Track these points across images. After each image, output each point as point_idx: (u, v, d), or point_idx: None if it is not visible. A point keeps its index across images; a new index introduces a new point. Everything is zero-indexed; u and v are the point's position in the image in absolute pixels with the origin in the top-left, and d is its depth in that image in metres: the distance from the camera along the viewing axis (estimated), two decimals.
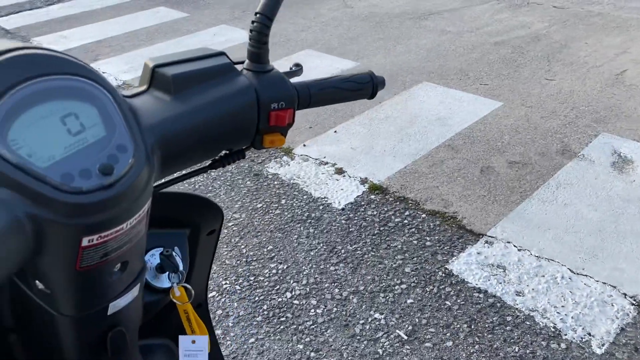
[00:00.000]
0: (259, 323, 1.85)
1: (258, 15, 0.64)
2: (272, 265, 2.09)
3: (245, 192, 2.53)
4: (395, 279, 1.99)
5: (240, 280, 2.03)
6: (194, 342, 0.78)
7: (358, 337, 1.78)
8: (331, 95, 0.73)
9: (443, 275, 2.00)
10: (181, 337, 0.78)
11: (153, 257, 0.76)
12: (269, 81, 0.66)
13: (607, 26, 4.30)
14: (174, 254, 0.76)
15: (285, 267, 2.07)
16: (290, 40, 4.32)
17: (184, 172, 0.70)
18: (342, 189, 2.50)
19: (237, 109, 0.63)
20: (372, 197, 2.43)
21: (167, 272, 0.75)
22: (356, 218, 2.31)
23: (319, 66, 3.79)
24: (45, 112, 0.48)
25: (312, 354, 1.73)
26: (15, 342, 0.69)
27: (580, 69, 3.55)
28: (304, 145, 2.86)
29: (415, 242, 2.16)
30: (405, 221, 2.27)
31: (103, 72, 3.91)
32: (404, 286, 1.96)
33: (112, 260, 0.54)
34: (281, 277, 2.03)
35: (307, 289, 1.97)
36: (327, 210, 2.37)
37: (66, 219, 0.46)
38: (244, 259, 2.13)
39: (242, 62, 0.67)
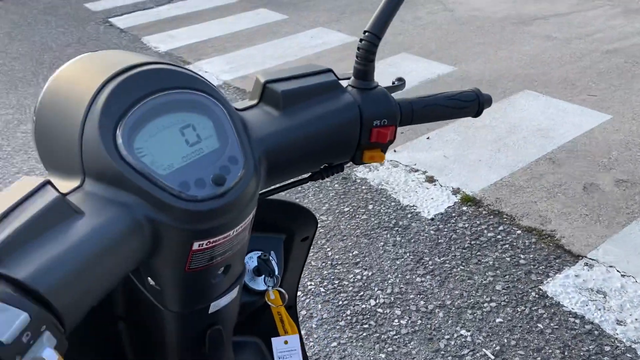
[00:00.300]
0: (341, 328, 1.85)
1: (367, 33, 0.64)
2: (357, 271, 2.08)
3: (333, 195, 2.54)
4: (484, 296, 1.92)
5: (325, 283, 2.04)
6: (286, 342, 0.79)
7: (442, 353, 1.73)
8: (434, 113, 0.71)
9: (536, 296, 1.90)
10: (274, 339, 0.80)
11: (251, 260, 0.79)
12: (372, 98, 0.65)
13: None
14: (270, 258, 0.78)
15: (370, 274, 2.06)
16: (387, 43, 4.30)
17: (285, 182, 0.72)
18: (432, 198, 2.44)
19: (341, 125, 0.63)
20: (464, 208, 2.36)
21: (263, 276, 0.78)
22: (446, 229, 2.25)
23: (414, 70, 3.73)
24: (167, 123, 0.51)
25: None
26: (123, 330, 0.74)
27: None
28: (395, 151, 2.83)
29: (508, 259, 2.07)
30: (499, 236, 2.18)
31: (205, 72, 4.09)
32: (493, 304, 1.89)
33: (217, 263, 0.57)
34: (365, 284, 2.02)
35: (392, 299, 1.95)
36: (416, 219, 2.33)
37: (181, 224, 0.49)
38: (329, 262, 2.14)
39: (348, 78, 0.67)
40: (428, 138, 2.91)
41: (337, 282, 2.04)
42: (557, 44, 4.00)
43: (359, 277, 2.05)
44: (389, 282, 2.01)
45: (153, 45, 4.82)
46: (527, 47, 3.99)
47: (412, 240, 2.20)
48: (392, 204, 2.43)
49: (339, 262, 2.13)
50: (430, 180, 2.57)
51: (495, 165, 2.63)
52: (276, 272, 0.78)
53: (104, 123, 0.49)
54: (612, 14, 4.57)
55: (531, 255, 2.07)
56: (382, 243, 2.20)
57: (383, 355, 1.74)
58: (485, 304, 1.89)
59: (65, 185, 0.50)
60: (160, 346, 0.71)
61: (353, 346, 1.78)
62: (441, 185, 2.52)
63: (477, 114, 0.74)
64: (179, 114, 0.52)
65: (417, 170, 2.65)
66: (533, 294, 1.91)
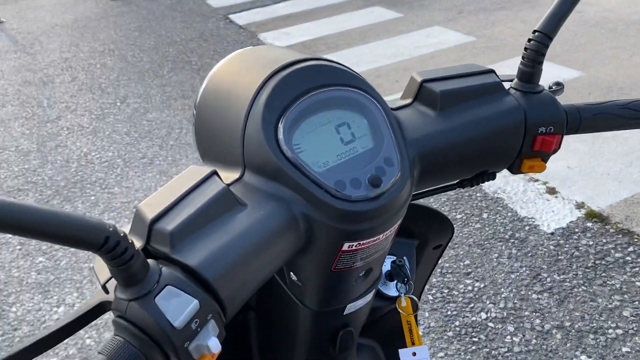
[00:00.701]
0: (449, 338, 1.78)
1: (537, 33, 0.59)
2: (468, 282, 2.00)
3: (444, 200, 2.46)
4: (609, 322, 1.77)
5: (434, 291, 1.98)
6: (414, 354, 0.76)
7: None
8: (604, 123, 0.65)
9: None
10: (402, 351, 0.77)
11: (384, 265, 0.77)
12: (538, 103, 0.61)
13: None
14: (405, 262, 0.76)
15: (482, 286, 1.97)
16: (506, 44, 4.11)
17: (432, 187, 0.69)
18: (552, 211, 2.29)
19: (502, 130, 0.59)
20: (589, 225, 2.19)
21: (396, 281, 0.75)
22: (567, 246, 2.10)
23: None
24: (323, 120, 0.51)
25: None
26: (252, 320, 0.75)
27: None
28: None
29: (638, 284, 1.89)
30: (628, 258, 2.00)
31: None
32: (619, 331, 1.73)
33: (361, 266, 0.56)
34: (477, 296, 1.93)
35: (504, 314, 1.85)
36: (534, 232, 2.19)
37: (335, 223, 0.48)
38: (439, 270, 2.07)
39: (511, 80, 0.63)
40: None
41: (446, 291, 1.97)
42: None
43: (469, 288, 1.97)
44: (502, 296, 1.91)
45: (269, 42, 4.96)
46: None
47: (529, 254, 2.08)
48: (509, 214, 2.31)
49: (449, 271, 2.06)
50: (552, 191, 2.41)
51: (626, 180, 2.42)
52: (410, 279, 0.76)
53: (266, 117, 0.49)
54: None
55: None
56: (496, 255, 2.10)
57: None
58: (610, 330, 1.74)
59: (224, 176, 0.50)
60: (288, 341, 0.71)
61: (461, 359, 1.71)
62: (563, 198, 2.36)
63: None
64: (335, 111, 0.51)
65: (536, 180, 2.50)
66: None
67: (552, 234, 2.17)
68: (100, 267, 0.44)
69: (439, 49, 4.21)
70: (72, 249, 2.40)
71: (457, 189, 0.62)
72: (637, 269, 1.95)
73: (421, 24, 4.87)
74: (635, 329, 1.73)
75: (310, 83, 0.51)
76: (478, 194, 2.46)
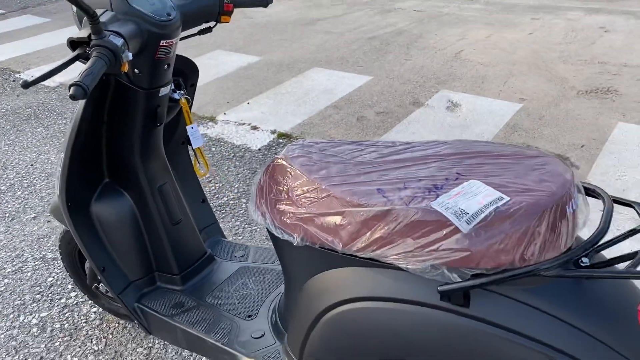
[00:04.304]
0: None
1: None
2: (211, 186, 2.89)
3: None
4: None
5: None
6: (192, 127, 1.62)
7: None
8: (248, 2, 1.60)
9: None
10: (188, 127, 1.62)
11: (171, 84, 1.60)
12: None
13: (451, 22, 5.53)
14: (180, 82, 1.61)
15: (219, 186, 2.88)
16: (202, 43, 5.14)
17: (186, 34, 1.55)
18: (257, 138, 3.35)
19: (211, 3, 1.49)
20: (281, 140, 3.31)
21: (177, 92, 1.59)
22: (269, 153, 3.17)
23: (230, 61, 4.64)
24: None
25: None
26: (103, 133, 1.50)
27: (430, 51, 4.67)
28: (224, 114, 3.70)
29: None
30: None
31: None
32: None
33: (166, 58, 1.39)
34: (219, 191, 2.84)
35: (239, 195, 2.80)
36: (248, 151, 3.21)
37: (160, 30, 1.32)
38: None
39: None
40: (248, 103, 3.82)
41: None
42: (335, 36, 5.23)
43: (213, 189, 2.86)
44: (235, 186, 2.86)
45: None
46: (313, 40, 5.15)
47: (247, 163, 3.08)
48: (229, 146, 3.29)
49: None
50: (255, 128, 3.48)
51: (298, 113, 3.64)
52: (184, 90, 1.61)
53: None
54: (371, 13, 5.99)
55: None
56: (225, 167, 3.04)
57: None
58: None
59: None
60: (128, 125, 1.47)
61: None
62: (263, 130, 3.45)
63: (267, 5, 1.65)
64: None
65: (244, 124, 3.54)
66: None
67: (259, 149, 3.22)
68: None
69: None
70: None
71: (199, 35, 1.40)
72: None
73: None
74: None
75: None
76: (205, 138, 3.38)
